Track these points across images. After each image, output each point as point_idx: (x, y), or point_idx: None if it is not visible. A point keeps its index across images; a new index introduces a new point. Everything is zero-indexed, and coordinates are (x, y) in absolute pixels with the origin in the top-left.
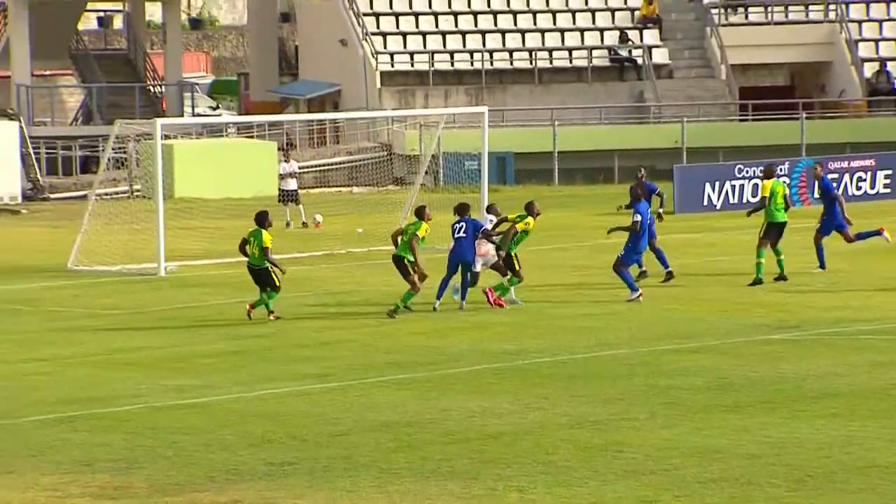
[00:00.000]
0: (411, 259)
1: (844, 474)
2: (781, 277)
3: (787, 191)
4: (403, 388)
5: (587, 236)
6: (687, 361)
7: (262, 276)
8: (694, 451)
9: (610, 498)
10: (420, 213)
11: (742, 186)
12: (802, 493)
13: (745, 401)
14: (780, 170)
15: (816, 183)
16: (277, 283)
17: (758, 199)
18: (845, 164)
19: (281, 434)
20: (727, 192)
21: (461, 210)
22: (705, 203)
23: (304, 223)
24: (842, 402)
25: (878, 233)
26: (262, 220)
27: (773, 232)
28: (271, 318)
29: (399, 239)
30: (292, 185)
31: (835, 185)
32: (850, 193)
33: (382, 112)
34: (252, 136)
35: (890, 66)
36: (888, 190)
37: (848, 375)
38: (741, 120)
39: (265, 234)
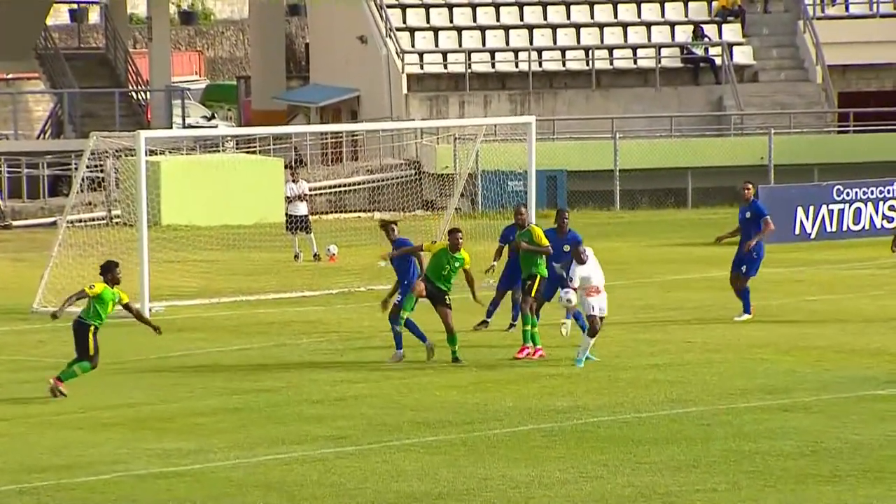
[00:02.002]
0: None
1: None
2: None
3: None
4: (434, 452)
5: (653, 271)
6: (775, 422)
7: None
8: None
9: None
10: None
11: (842, 211)
12: None
13: (846, 469)
14: (890, 192)
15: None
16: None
17: None
18: None
19: None
20: (823, 217)
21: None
22: (797, 231)
23: (315, 255)
24: None
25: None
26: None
27: None
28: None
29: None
30: (302, 209)
31: None
32: None
33: (410, 123)
34: (254, 152)
35: None
36: None
37: None
38: (840, 131)
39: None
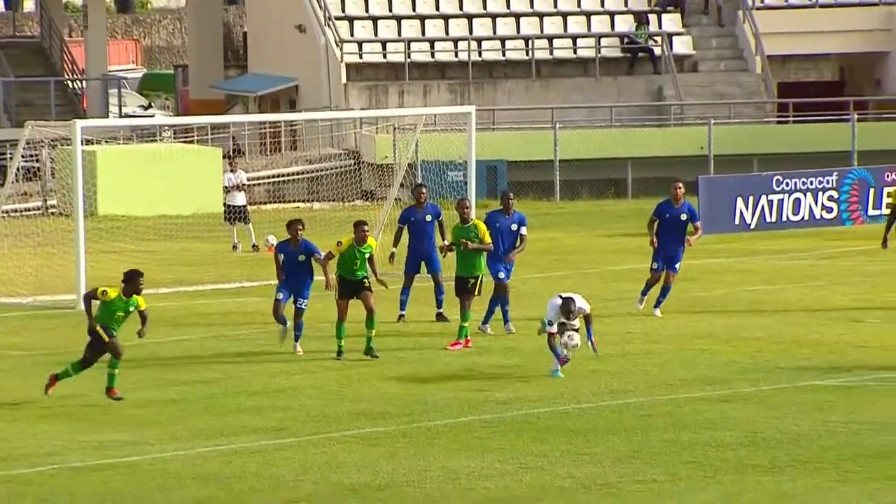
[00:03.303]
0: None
1: None
2: None
3: None
4: (373, 444)
5: (594, 262)
6: (715, 412)
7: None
8: None
9: None
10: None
11: (782, 202)
12: None
13: (785, 460)
14: (829, 182)
15: (672, 204)
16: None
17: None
18: None
19: (226, 500)
20: (763, 208)
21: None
22: (737, 221)
23: (254, 246)
24: None
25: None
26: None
27: None
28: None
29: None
30: (240, 199)
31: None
32: None
33: (349, 112)
34: (192, 141)
35: None
36: None
37: None
38: (780, 122)
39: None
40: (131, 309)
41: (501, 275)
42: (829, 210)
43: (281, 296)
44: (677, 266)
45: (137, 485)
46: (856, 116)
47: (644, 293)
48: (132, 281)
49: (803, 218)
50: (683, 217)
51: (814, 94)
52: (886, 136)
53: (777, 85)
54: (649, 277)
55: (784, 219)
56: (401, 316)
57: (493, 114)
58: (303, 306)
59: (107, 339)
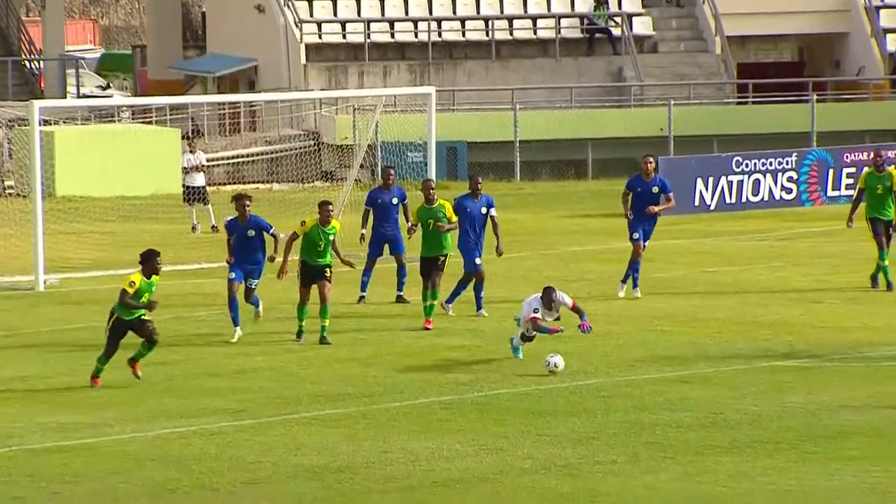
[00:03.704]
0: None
1: None
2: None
3: None
4: (333, 426)
5: (554, 243)
6: (675, 393)
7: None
8: (683, 502)
9: None
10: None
11: (741, 183)
12: None
13: (745, 441)
14: (789, 163)
15: (642, 178)
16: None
17: None
18: (864, 156)
19: (186, 482)
20: (723, 189)
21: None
22: (696, 203)
23: (213, 227)
24: (861, 442)
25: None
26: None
27: None
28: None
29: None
30: (199, 180)
31: (852, 181)
32: None
33: (308, 93)
34: (150, 122)
35: None
36: None
37: (869, 409)
38: (739, 103)
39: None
40: (154, 289)
41: (478, 261)
42: (789, 191)
43: (234, 275)
44: (647, 242)
45: (97, 466)
46: (815, 97)
47: (634, 275)
48: (150, 261)
49: (763, 199)
50: (655, 190)
51: (773, 75)
52: (845, 117)
53: (737, 66)
54: (633, 251)
55: (744, 200)
56: (361, 297)
57: (453, 94)
58: (253, 286)
59: (106, 340)
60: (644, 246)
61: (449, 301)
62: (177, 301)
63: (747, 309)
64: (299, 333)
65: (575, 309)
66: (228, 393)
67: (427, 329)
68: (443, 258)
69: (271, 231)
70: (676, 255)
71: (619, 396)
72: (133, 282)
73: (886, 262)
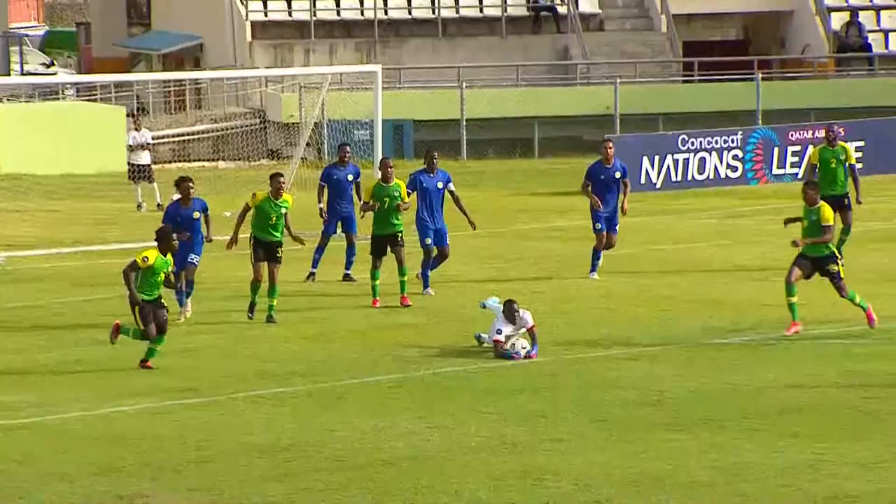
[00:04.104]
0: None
1: None
2: None
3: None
4: (280, 404)
5: (501, 221)
6: (621, 371)
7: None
8: (628, 479)
9: None
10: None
11: (687, 161)
12: None
13: (690, 418)
14: (734, 141)
15: (603, 164)
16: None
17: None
18: (809, 134)
19: (132, 461)
20: (669, 167)
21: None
22: (643, 181)
23: (158, 205)
24: (806, 419)
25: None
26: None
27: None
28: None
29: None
30: (144, 158)
31: (797, 158)
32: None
33: (254, 71)
34: (95, 100)
35: (862, 16)
36: (860, 164)
37: (813, 388)
38: (685, 81)
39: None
40: (169, 269)
41: (429, 241)
42: (734, 169)
43: (175, 268)
44: (617, 227)
45: (44, 446)
46: (760, 76)
47: (595, 262)
48: (166, 238)
49: (709, 177)
50: (618, 175)
51: (719, 54)
52: (790, 96)
53: (682, 44)
54: (596, 242)
55: (689, 178)
56: (311, 273)
57: (400, 73)
58: (195, 262)
59: (142, 326)
60: (615, 231)
61: (425, 286)
62: (122, 279)
63: (693, 287)
64: (251, 307)
65: (531, 333)
66: (175, 371)
67: (374, 307)
68: (399, 234)
69: (208, 213)
70: (623, 233)
71: (567, 375)
72: (146, 257)
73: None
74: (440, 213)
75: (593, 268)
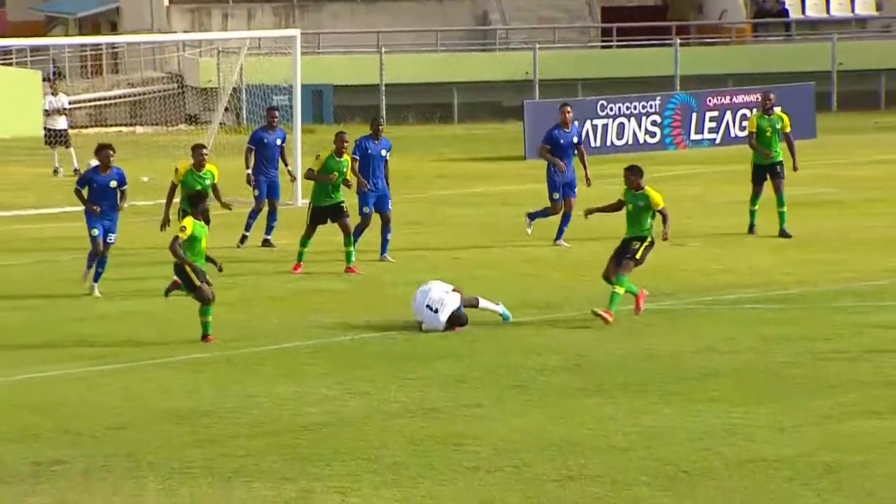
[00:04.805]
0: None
1: (726, 470)
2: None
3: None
4: (198, 370)
5: (420, 187)
6: (541, 337)
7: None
8: (549, 444)
9: (448, 500)
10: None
11: (606, 127)
12: (676, 492)
13: (610, 383)
14: (653, 107)
15: (562, 129)
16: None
17: None
18: (726, 100)
19: (49, 427)
20: (588, 133)
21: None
22: None
23: (75, 170)
24: (723, 384)
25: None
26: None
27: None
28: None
29: None
30: (61, 123)
31: (714, 124)
32: (732, 134)
33: (171, 36)
34: (10, 64)
35: None
36: None
37: (730, 352)
38: (604, 47)
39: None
40: (206, 230)
41: (367, 209)
42: (653, 135)
43: (97, 231)
44: (575, 191)
45: None
46: (678, 41)
47: (533, 218)
48: (200, 202)
49: (627, 142)
50: (575, 139)
51: (637, 19)
52: (708, 61)
53: (601, 9)
54: (549, 207)
55: (608, 143)
56: (244, 237)
57: (319, 38)
58: (112, 241)
59: (198, 283)
60: (574, 195)
61: (384, 251)
62: (37, 245)
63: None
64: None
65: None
66: (91, 338)
67: (355, 273)
68: (342, 204)
69: (125, 187)
70: (543, 199)
71: (486, 340)
72: (184, 227)
73: (756, 207)
74: (382, 179)
75: (559, 235)
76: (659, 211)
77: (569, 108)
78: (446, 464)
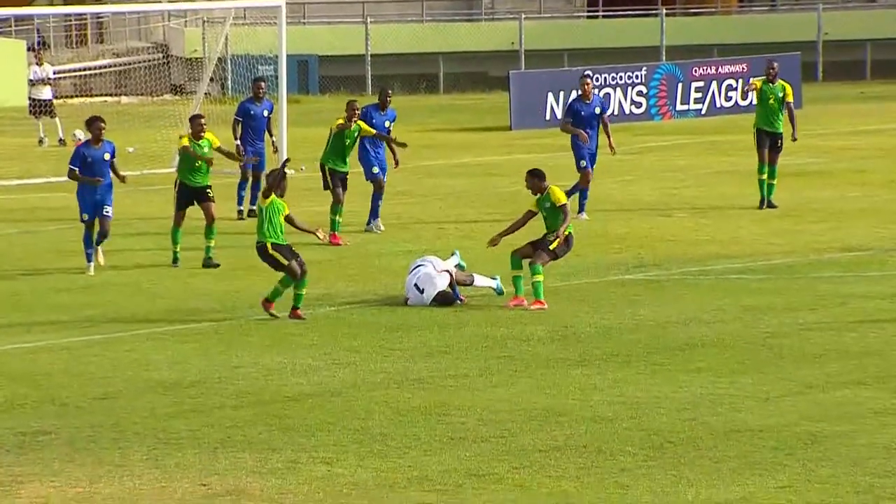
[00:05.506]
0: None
1: (711, 440)
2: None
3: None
4: (184, 341)
5: (406, 157)
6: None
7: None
8: (534, 414)
9: (434, 470)
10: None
11: None
12: (662, 461)
13: (595, 354)
14: (638, 77)
15: (583, 100)
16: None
17: None
18: (712, 70)
19: (34, 397)
20: None
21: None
22: (548, 116)
23: (60, 140)
24: (708, 354)
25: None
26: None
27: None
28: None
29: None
30: (46, 93)
31: (700, 95)
32: (717, 105)
33: (156, 5)
34: None
35: None
36: None
37: (715, 323)
38: (590, 17)
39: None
40: (281, 205)
41: (375, 169)
42: (639, 105)
43: (87, 216)
44: (593, 166)
45: None
46: (664, 12)
47: (582, 202)
48: (276, 181)
49: (613, 113)
50: (598, 110)
51: None
52: (694, 32)
53: None
54: (580, 178)
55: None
56: (240, 212)
57: (304, 7)
58: (109, 214)
59: (285, 262)
60: (591, 170)
61: (375, 218)
62: (22, 216)
63: (597, 223)
64: (175, 260)
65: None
66: (77, 308)
67: (335, 243)
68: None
69: (115, 159)
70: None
71: (471, 310)
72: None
73: (764, 176)
74: (382, 148)
75: (581, 207)
76: (559, 207)
77: (588, 80)
78: (432, 434)
